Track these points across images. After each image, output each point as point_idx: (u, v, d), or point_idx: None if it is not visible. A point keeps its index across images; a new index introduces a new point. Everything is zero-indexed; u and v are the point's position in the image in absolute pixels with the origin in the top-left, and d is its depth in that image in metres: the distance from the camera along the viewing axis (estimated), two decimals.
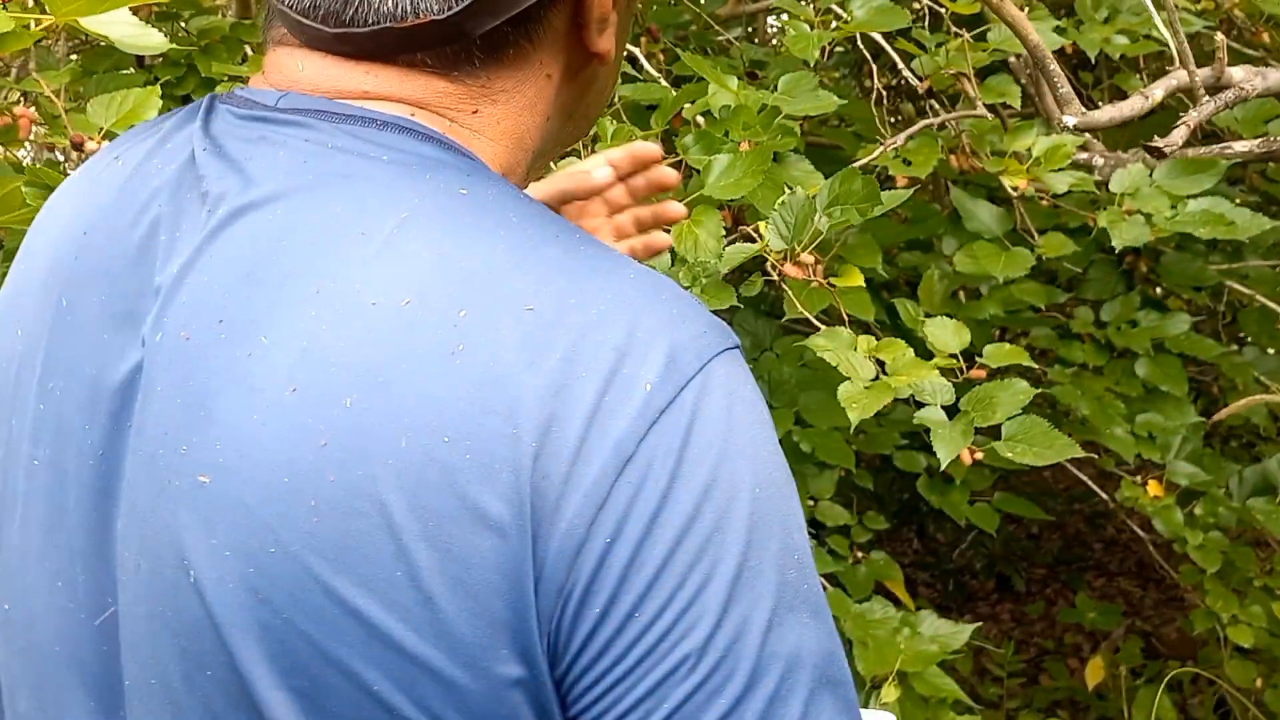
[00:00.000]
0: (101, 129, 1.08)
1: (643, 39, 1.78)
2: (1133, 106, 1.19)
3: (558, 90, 0.58)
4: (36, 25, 0.84)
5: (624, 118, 1.51)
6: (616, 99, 1.51)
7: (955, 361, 1.28)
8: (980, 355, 1.34)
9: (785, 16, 1.76)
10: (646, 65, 1.56)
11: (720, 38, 1.88)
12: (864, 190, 1.20)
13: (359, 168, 0.50)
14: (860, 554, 1.96)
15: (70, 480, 0.53)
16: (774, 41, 2.32)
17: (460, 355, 0.45)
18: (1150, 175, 1.58)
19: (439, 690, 0.45)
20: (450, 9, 0.51)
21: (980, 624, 1.73)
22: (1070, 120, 1.16)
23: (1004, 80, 1.58)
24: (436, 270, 0.47)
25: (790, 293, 1.28)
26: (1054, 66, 1.18)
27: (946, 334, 1.29)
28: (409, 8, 0.51)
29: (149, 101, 1.07)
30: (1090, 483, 2.07)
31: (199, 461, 0.47)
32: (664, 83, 1.53)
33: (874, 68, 1.63)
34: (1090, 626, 2.60)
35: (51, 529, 0.53)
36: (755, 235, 1.32)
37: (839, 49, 2.21)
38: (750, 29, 2.27)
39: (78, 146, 1.09)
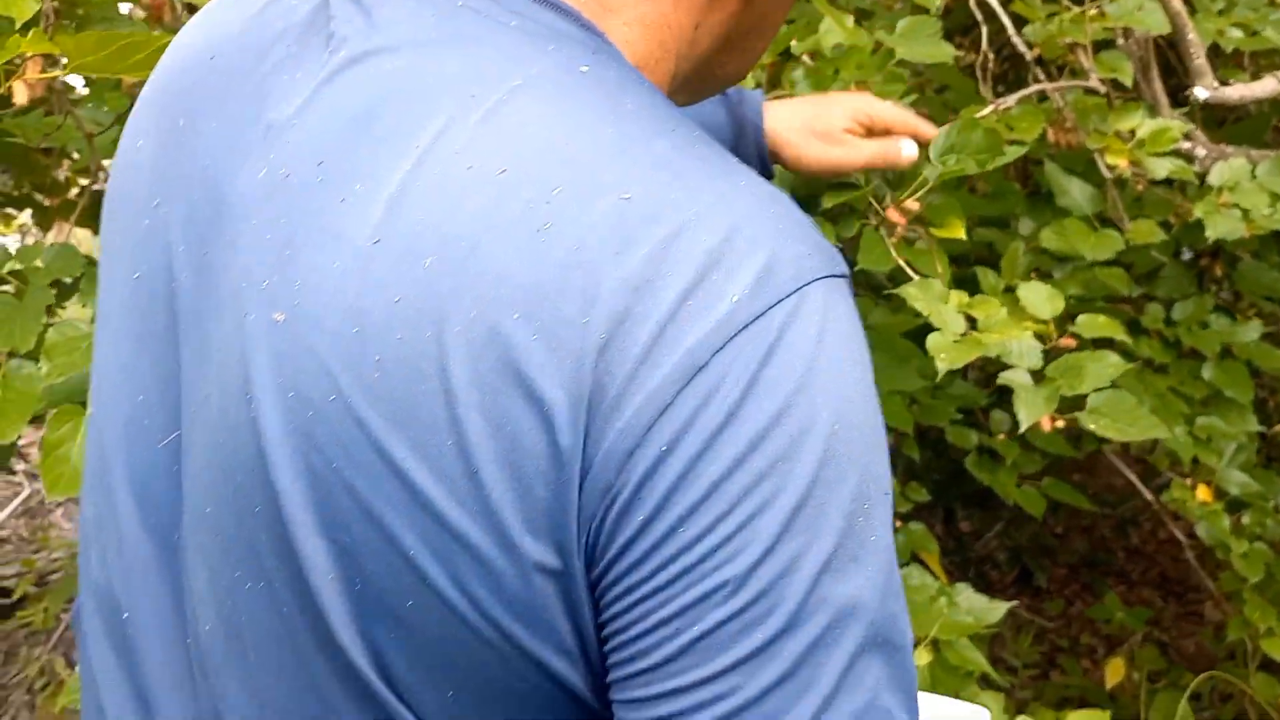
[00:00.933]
0: None
1: None
2: (1265, 88, 1.17)
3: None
4: None
5: None
6: None
7: (1047, 327, 1.26)
8: (1071, 324, 1.32)
9: None
10: None
11: None
12: (985, 140, 1.17)
13: (483, 30, 0.50)
14: (899, 523, 1.95)
15: (161, 300, 0.54)
16: None
17: (546, 233, 0.44)
18: (1253, 171, 1.55)
19: (473, 567, 0.44)
20: None
21: (1014, 603, 1.72)
22: (1203, 93, 1.13)
23: (1116, 56, 1.54)
24: (538, 144, 0.46)
25: (885, 236, 1.26)
26: (1193, 36, 1.15)
27: (1040, 299, 1.27)
28: None
29: None
30: (1136, 480, 2.05)
31: (277, 300, 0.47)
32: None
33: (984, 31, 1.60)
34: (1115, 627, 2.59)
35: (141, 344, 0.55)
36: (855, 179, 1.30)
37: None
38: None
39: None
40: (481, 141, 0.46)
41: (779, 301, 0.44)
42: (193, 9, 1.40)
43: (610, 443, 0.43)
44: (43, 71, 0.90)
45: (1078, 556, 3.24)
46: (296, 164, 0.49)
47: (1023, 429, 1.20)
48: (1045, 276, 1.92)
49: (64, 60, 0.89)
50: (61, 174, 2.49)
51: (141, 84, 1.26)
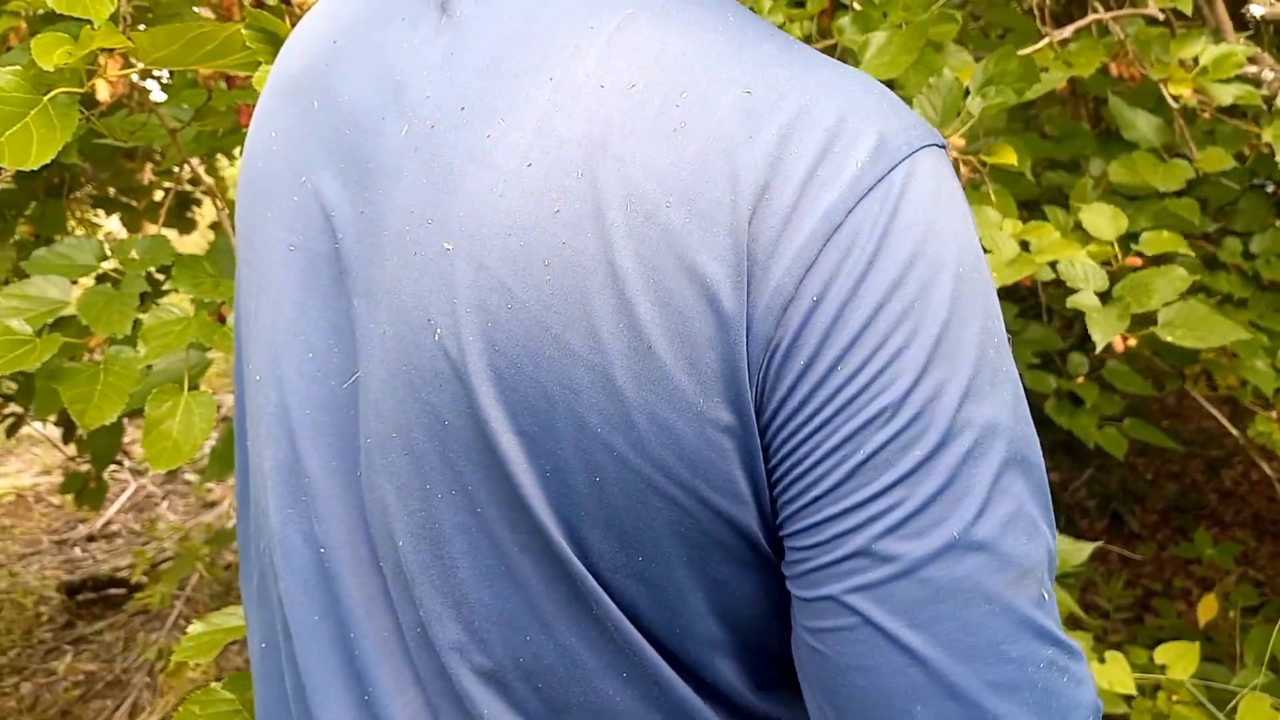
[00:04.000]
0: None
1: None
2: None
3: None
4: None
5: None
6: None
7: (1111, 250, 1.25)
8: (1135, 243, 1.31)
9: None
10: None
11: None
12: (1020, 69, 1.17)
13: None
14: None
15: (321, 262, 0.59)
16: None
17: (682, 131, 0.49)
18: None
19: (655, 433, 0.49)
20: None
21: (1099, 543, 1.71)
22: (1258, 10, 1.12)
23: None
24: (659, 58, 0.51)
25: None
26: None
27: (1103, 221, 1.26)
28: None
29: None
30: (1224, 420, 2.02)
31: (444, 231, 0.52)
32: None
33: None
34: (1208, 568, 2.55)
35: (303, 306, 0.60)
36: None
37: None
38: None
39: None
40: (608, 63, 0.51)
41: (897, 165, 0.48)
42: (260, 4, 1.46)
43: (766, 301, 0.47)
44: (122, 69, 0.95)
45: (1169, 501, 3.18)
46: (439, 115, 0.54)
47: (1099, 349, 1.20)
48: None
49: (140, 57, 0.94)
50: (146, 178, 2.60)
51: (217, 75, 1.31)
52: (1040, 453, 0.51)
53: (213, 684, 1.08)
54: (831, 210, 0.47)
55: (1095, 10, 1.57)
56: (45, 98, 0.88)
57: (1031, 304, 2.11)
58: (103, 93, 0.94)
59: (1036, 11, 1.64)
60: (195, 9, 1.43)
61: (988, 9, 2.11)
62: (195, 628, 1.11)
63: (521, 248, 0.50)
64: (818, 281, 0.47)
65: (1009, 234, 1.20)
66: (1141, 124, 1.61)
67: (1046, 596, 0.49)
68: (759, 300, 0.47)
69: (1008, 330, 1.90)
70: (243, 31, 0.93)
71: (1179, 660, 1.65)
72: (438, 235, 0.52)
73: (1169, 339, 1.19)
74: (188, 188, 2.74)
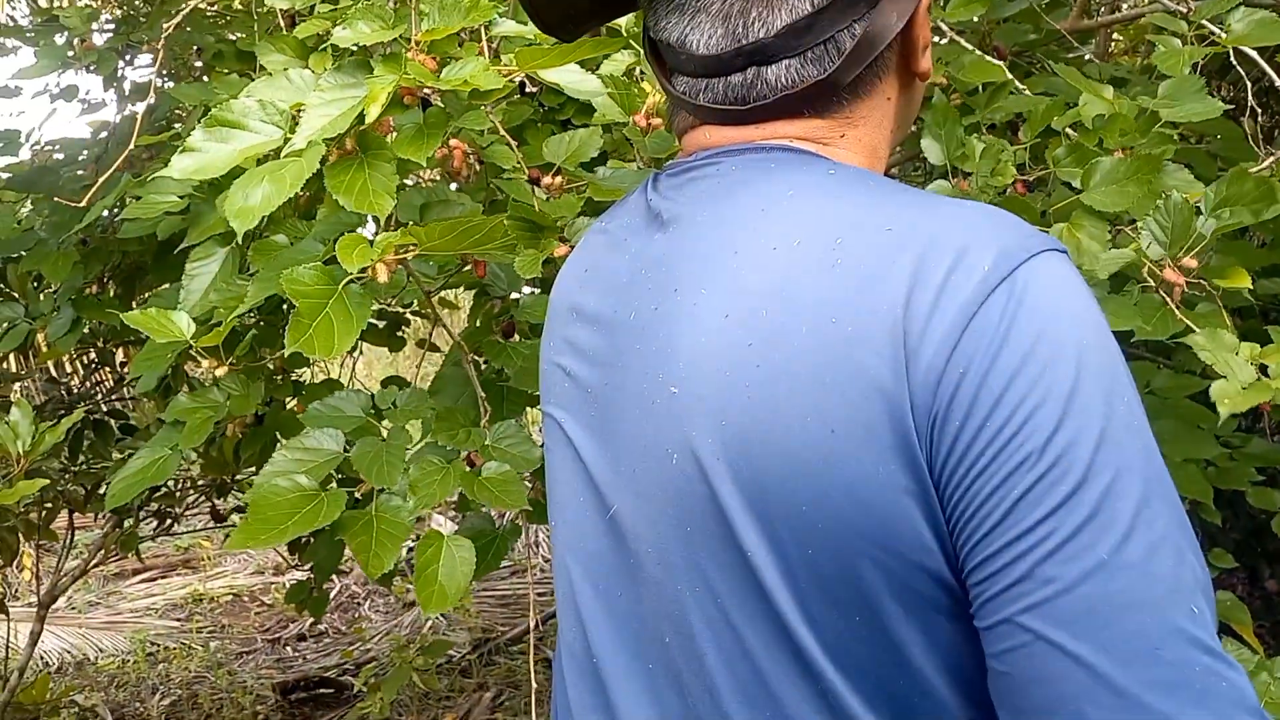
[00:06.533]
0: (554, 165, 1.23)
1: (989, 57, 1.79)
2: None
3: (895, 107, 0.75)
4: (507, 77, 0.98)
5: (983, 131, 1.52)
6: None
7: None
8: None
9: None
10: (1009, 76, 1.56)
11: (1071, 54, 1.85)
12: (1257, 190, 1.16)
13: (755, 175, 0.70)
14: None
15: (578, 429, 0.77)
16: (1121, 56, 2.25)
17: (839, 267, 0.62)
18: None
19: (850, 505, 0.59)
20: (827, 70, 0.69)
21: None
22: None
23: None
24: (817, 217, 0.65)
25: (1170, 301, 1.26)
26: None
27: None
28: (797, 77, 0.69)
29: (592, 140, 1.22)
30: None
31: (669, 379, 0.67)
32: (1029, 93, 1.53)
33: (1248, 83, 1.56)
34: None
35: (573, 463, 0.77)
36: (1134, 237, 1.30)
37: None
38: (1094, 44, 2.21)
39: (535, 181, 1.24)
40: (778, 229, 0.66)
41: (1019, 265, 0.59)
42: (481, 162, 1.58)
43: (921, 379, 0.58)
44: (398, 255, 1.06)
45: None
46: (660, 299, 0.70)
47: None
48: None
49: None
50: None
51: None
52: (1178, 498, 0.58)
53: None
54: (967, 303, 0.58)
55: None
56: (339, 287, 0.99)
57: (1254, 419, 2.03)
58: (382, 275, 1.05)
59: (1246, 124, 1.62)
60: (428, 167, 1.55)
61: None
62: None
63: (726, 376, 0.64)
64: (962, 360, 0.58)
65: (1246, 358, 1.18)
66: None
67: (1197, 611, 0.56)
68: (915, 379, 0.58)
69: (1227, 445, 1.83)
70: (505, 222, 1.02)
71: None
72: (665, 384, 0.67)
73: None
74: (399, 309, 2.93)
